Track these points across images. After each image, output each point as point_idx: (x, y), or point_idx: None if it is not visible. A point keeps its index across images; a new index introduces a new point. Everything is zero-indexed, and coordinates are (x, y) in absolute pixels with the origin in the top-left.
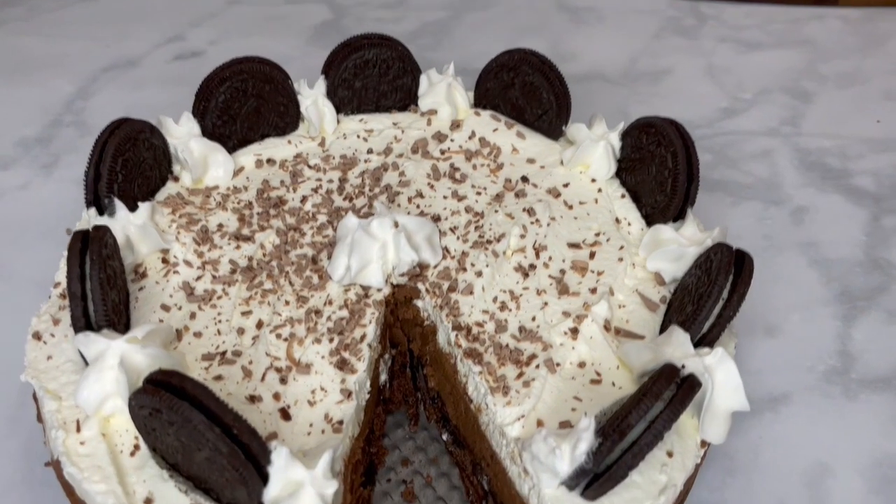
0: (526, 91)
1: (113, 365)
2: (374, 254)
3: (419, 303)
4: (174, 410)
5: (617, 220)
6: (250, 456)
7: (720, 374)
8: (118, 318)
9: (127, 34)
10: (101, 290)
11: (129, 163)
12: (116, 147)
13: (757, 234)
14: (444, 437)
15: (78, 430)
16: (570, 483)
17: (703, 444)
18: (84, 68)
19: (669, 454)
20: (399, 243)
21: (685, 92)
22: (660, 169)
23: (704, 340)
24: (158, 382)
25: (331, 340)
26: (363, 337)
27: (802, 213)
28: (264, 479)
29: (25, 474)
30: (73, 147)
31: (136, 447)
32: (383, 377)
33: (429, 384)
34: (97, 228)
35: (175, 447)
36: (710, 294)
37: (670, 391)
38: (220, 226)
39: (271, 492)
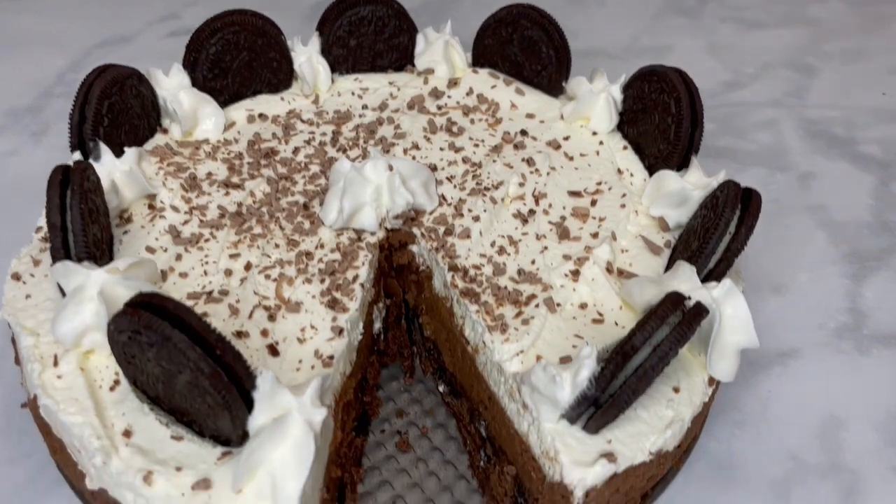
0: (525, 46)
1: (92, 296)
2: (367, 196)
3: (414, 248)
4: (153, 329)
5: (619, 171)
6: (234, 380)
7: (728, 307)
8: (100, 254)
9: (121, 14)
10: (81, 221)
11: (115, 108)
12: (102, 90)
13: (763, 199)
14: (441, 388)
15: (55, 364)
16: (571, 414)
17: (712, 381)
18: (77, 44)
19: (676, 390)
20: (394, 185)
21: (687, 67)
22: (663, 116)
23: (711, 276)
24: (138, 305)
25: (322, 281)
26: (355, 278)
27: (809, 179)
28: (249, 406)
29: (4, 423)
30: (63, 116)
31: (116, 382)
32: (377, 325)
33: (424, 334)
34: (79, 163)
35: (155, 375)
36: (717, 227)
37: (676, 317)
38: (209, 174)
39: (256, 419)
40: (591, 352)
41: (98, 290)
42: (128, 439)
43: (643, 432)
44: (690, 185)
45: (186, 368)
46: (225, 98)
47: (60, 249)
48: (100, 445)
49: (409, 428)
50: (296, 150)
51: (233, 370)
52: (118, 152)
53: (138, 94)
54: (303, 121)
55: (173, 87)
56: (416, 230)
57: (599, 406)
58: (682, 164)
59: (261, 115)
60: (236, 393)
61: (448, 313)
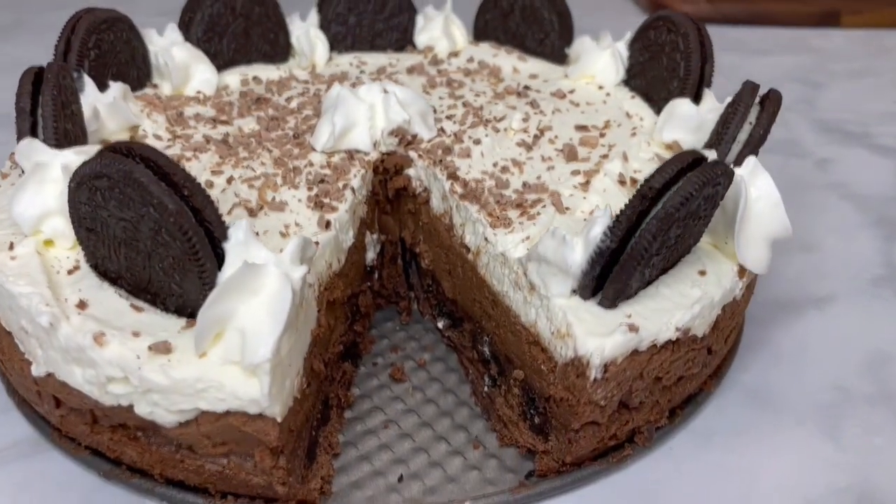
0: (526, 15)
1: (57, 177)
2: (360, 115)
3: (411, 171)
4: (115, 167)
5: (628, 115)
6: (203, 226)
7: (754, 187)
8: (69, 145)
9: None
10: (53, 108)
11: (102, 44)
12: (91, 23)
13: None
14: (440, 324)
15: (11, 248)
16: (584, 285)
17: (742, 273)
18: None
19: (702, 272)
20: (388, 104)
21: None
22: (671, 56)
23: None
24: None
25: (310, 188)
26: (346, 185)
27: (827, 164)
28: (220, 262)
29: None
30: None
31: (76, 267)
32: (371, 254)
33: (422, 265)
34: (55, 63)
35: (118, 240)
36: (736, 113)
37: (698, 175)
38: (197, 114)
39: (227, 272)
40: (605, 211)
41: (62, 170)
42: (81, 310)
43: (667, 308)
44: (705, 110)
45: (149, 207)
46: (219, 63)
47: (27, 134)
48: (49, 312)
49: (404, 361)
50: (289, 99)
51: (201, 215)
52: (103, 89)
53: (128, 41)
54: (298, 81)
55: (166, 43)
56: (412, 153)
57: (612, 267)
58: (695, 99)
59: (255, 79)
60: (205, 237)
61: (446, 231)
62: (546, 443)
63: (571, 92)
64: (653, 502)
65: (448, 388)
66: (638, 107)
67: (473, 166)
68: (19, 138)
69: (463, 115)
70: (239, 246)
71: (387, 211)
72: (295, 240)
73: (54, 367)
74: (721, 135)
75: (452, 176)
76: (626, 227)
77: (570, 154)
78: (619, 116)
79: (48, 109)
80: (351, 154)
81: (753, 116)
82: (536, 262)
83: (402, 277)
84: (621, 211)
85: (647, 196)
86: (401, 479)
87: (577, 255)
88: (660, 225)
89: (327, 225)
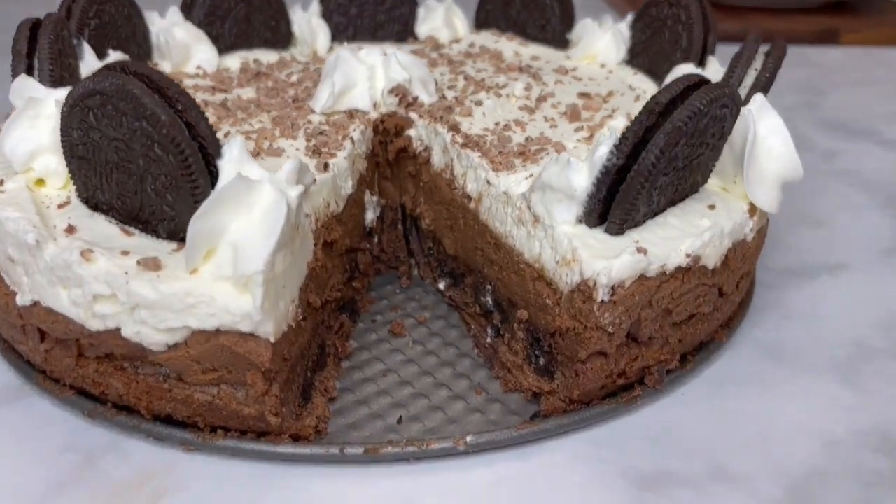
0: (527, 2)
1: (51, 114)
2: (360, 75)
3: (411, 132)
4: (109, 80)
5: (631, 87)
6: (196, 142)
7: (763, 124)
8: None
9: None
10: (49, 51)
11: (103, 15)
12: None
13: None
14: (441, 285)
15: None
16: (589, 209)
17: (753, 211)
18: None
19: (711, 206)
20: (389, 65)
21: None
22: (673, 29)
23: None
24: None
25: (308, 140)
26: (345, 136)
27: (832, 155)
28: (213, 181)
29: None
30: None
31: (67, 202)
32: (370, 214)
33: (423, 225)
34: (54, 14)
35: (109, 164)
36: (742, 57)
37: (702, 95)
38: (196, 85)
39: (221, 184)
40: (611, 133)
41: (57, 105)
42: (70, 234)
43: (676, 236)
44: (711, 72)
45: (142, 121)
46: (220, 47)
47: (23, 74)
48: (35, 231)
49: (404, 319)
50: (289, 75)
51: (195, 131)
52: (102, 59)
53: (129, 16)
54: (299, 62)
55: (167, 24)
56: (412, 114)
57: (619, 188)
58: (699, 66)
59: (255, 61)
60: (198, 152)
61: (447, 185)
62: (552, 382)
63: (574, 69)
64: (665, 445)
65: (449, 342)
66: (641, 81)
67: (475, 124)
68: (14, 76)
69: (464, 86)
70: (233, 163)
71: (387, 176)
72: (292, 161)
73: (39, 292)
74: (727, 78)
75: (454, 128)
76: (633, 143)
77: (573, 115)
78: (622, 88)
79: (45, 52)
80: (351, 113)
81: (759, 64)
82: (540, 192)
83: (402, 242)
84: (627, 128)
85: (653, 111)
86: (400, 420)
87: (583, 177)
88: (667, 139)
89: (325, 167)
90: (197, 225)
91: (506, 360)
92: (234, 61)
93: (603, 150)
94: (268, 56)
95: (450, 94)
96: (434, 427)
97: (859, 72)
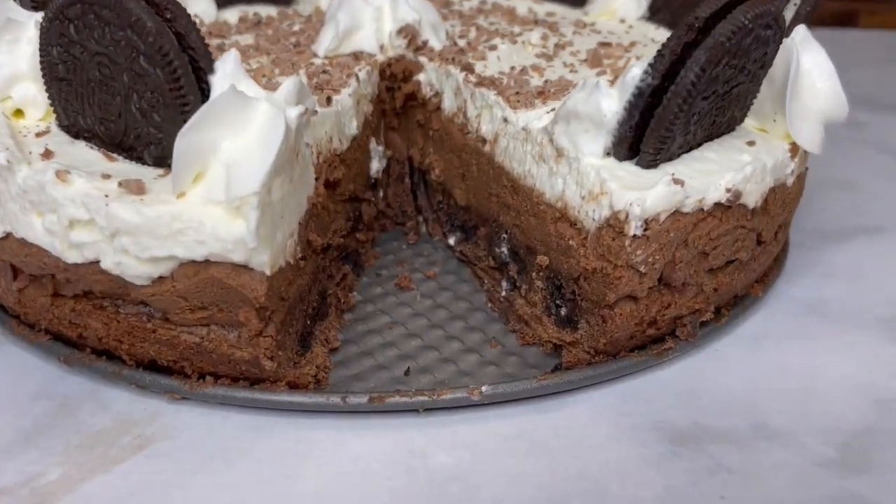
0: None
1: (31, 37)
2: (367, 17)
3: (421, 77)
4: None
5: (654, 41)
6: (186, 54)
7: (806, 57)
8: None
9: None
10: None
11: None
12: None
13: None
14: (452, 240)
15: None
16: (619, 138)
17: (795, 151)
18: None
19: (751, 143)
20: (397, 6)
21: None
22: None
23: None
24: None
25: (310, 78)
26: (350, 74)
27: (860, 126)
28: (205, 98)
29: None
30: None
31: (46, 131)
32: (375, 165)
33: (432, 178)
34: None
35: (91, 83)
36: None
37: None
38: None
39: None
40: (644, 58)
41: (37, 28)
42: (47, 159)
43: (715, 170)
44: None
45: (126, 30)
46: (219, 2)
47: None
48: (7, 152)
49: (412, 273)
50: (291, 25)
51: (185, 42)
52: None
53: None
54: (301, 15)
55: None
56: (422, 58)
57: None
58: None
59: (255, 14)
60: (187, 63)
61: (459, 130)
62: (574, 332)
63: (592, 24)
64: (700, 399)
65: (460, 296)
66: (664, 36)
67: (489, 67)
68: None
69: (477, 35)
70: (227, 79)
71: (394, 126)
72: (292, 79)
73: (12, 222)
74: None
75: (467, 68)
76: (671, 60)
77: (594, 60)
78: (644, 41)
79: None
80: (356, 55)
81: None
82: (565, 122)
83: (409, 197)
84: (664, 45)
85: (693, 27)
86: (408, 372)
87: (613, 101)
88: (709, 56)
89: (328, 100)
90: (185, 141)
91: (523, 312)
92: (232, 15)
93: (636, 70)
94: (268, 10)
95: (461, 42)
96: (446, 379)
97: (881, 52)
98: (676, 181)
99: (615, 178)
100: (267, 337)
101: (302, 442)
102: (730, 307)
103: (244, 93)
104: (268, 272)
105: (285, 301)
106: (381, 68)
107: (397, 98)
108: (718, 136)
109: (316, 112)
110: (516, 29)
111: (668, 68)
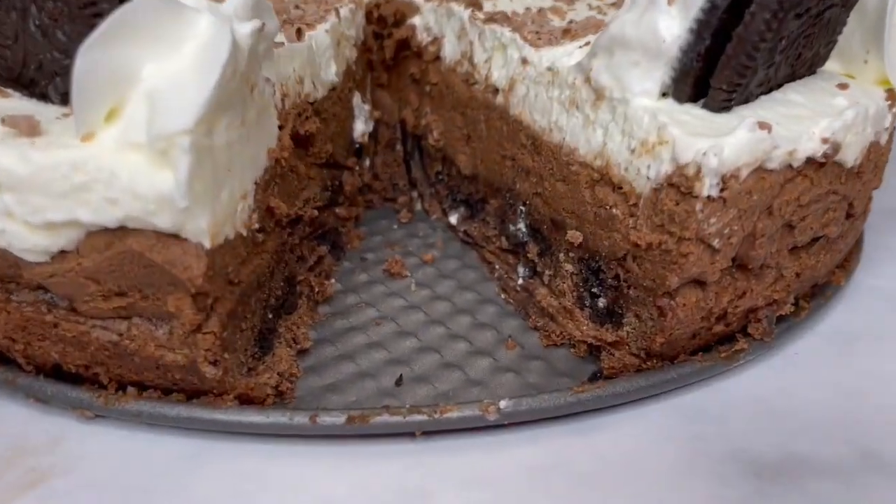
0: None
1: None
2: None
3: (416, 20)
4: None
5: None
6: None
7: None
8: None
9: None
10: None
11: None
12: None
13: None
14: (453, 218)
15: None
16: (682, 71)
17: (892, 97)
18: None
19: (842, 86)
20: None
21: None
22: None
23: None
24: None
25: (279, 14)
26: (328, 10)
27: None
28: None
29: None
30: None
31: None
32: (360, 126)
33: (430, 143)
34: None
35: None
36: None
37: None
38: None
39: None
40: None
41: None
42: None
43: (805, 116)
44: None
45: None
46: None
47: None
48: None
49: (405, 258)
50: None
51: None
52: None
53: None
54: None
55: None
56: None
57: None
58: None
59: None
60: None
61: (464, 81)
62: (618, 330)
63: None
64: (787, 419)
65: (465, 286)
66: None
67: (499, 7)
68: None
69: None
70: None
71: (383, 83)
72: None
73: None
74: None
75: (473, 3)
76: None
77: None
78: None
79: None
80: None
81: None
82: (607, 53)
83: (401, 168)
84: None
85: None
86: (400, 381)
87: (674, 21)
88: None
89: (299, 34)
90: (91, 60)
91: (547, 304)
92: None
93: None
94: None
95: None
96: (450, 390)
97: None
98: (762, 125)
99: (678, 123)
100: (208, 334)
101: (255, 477)
102: (807, 298)
103: (179, 11)
104: (207, 244)
105: (235, 286)
106: (369, 9)
107: (387, 47)
108: (799, 77)
109: (282, 44)
110: None
111: None
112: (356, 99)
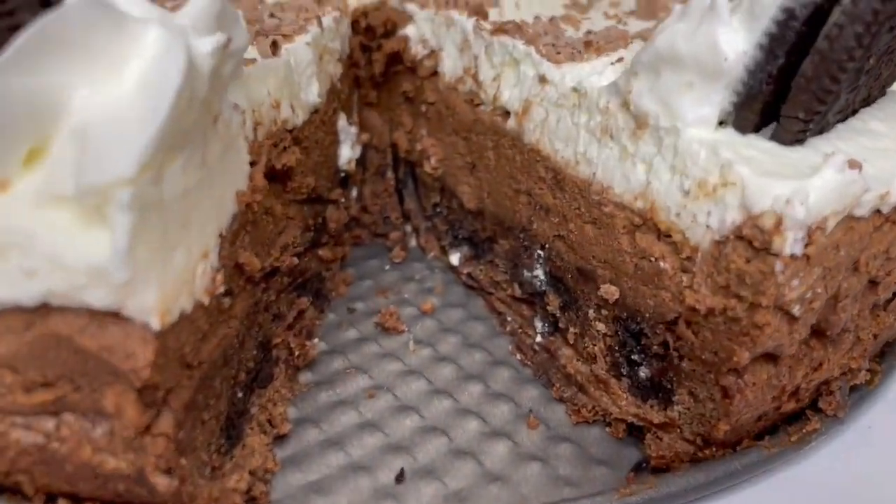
0: None
1: None
2: None
3: (409, 30)
4: None
5: None
6: None
7: None
8: None
9: None
10: None
11: None
12: None
13: None
14: (454, 257)
15: None
16: (747, 97)
17: None
18: None
19: None
20: None
21: None
22: None
23: None
24: None
25: (251, 23)
26: (309, 19)
27: None
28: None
29: None
30: None
31: None
32: (346, 152)
33: (426, 172)
34: None
35: None
36: None
37: None
38: None
39: None
40: None
41: None
42: None
43: (891, 149)
44: None
45: None
46: None
47: None
48: None
49: (400, 307)
50: None
51: None
52: None
53: None
54: None
55: None
56: (410, 5)
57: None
58: None
59: None
60: None
61: (468, 101)
62: (667, 408)
63: None
64: None
65: (472, 343)
66: None
67: (505, 16)
68: None
69: None
70: None
71: (371, 101)
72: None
73: None
74: None
75: (478, 11)
76: None
77: (647, 10)
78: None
79: None
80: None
81: None
82: (651, 73)
83: (392, 199)
84: None
85: None
86: (401, 476)
87: (738, 36)
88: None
89: (274, 48)
90: (5, 85)
91: (574, 370)
92: None
93: None
94: None
95: None
96: (463, 489)
97: None
98: (853, 164)
99: (745, 160)
100: (159, 436)
101: None
102: (877, 359)
103: (115, 6)
104: (156, 324)
105: (194, 369)
106: (355, 17)
107: (376, 61)
108: (873, 100)
109: (254, 61)
110: None
111: None
112: (341, 121)
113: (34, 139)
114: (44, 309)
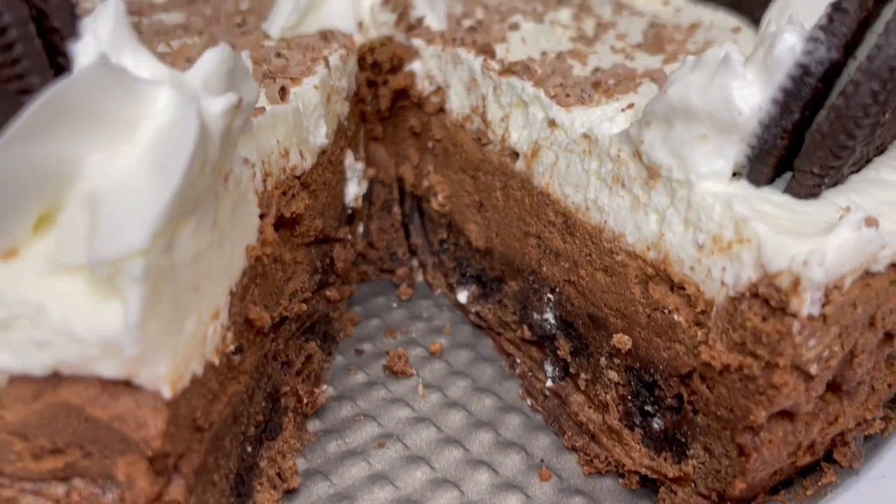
0: None
1: None
2: None
3: (415, 65)
4: None
5: (714, 23)
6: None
7: None
8: None
9: None
10: None
11: None
12: None
13: None
14: (462, 295)
15: None
16: (761, 151)
17: None
18: None
19: None
20: None
21: None
22: None
23: None
24: None
25: (257, 64)
26: (316, 59)
27: None
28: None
29: None
30: None
31: None
32: (352, 189)
33: (433, 208)
34: None
35: None
36: None
37: None
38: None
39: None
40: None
41: None
42: None
43: None
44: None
45: None
46: None
47: None
48: None
49: (408, 348)
50: (237, 1)
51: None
52: None
53: None
54: None
55: None
56: (416, 41)
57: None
58: None
59: None
60: (30, 22)
61: (475, 140)
62: (681, 462)
63: (629, 5)
64: None
65: (482, 386)
66: (725, 18)
67: (512, 52)
68: None
69: (486, 16)
70: (97, 46)
71: (377, 135)
72: (216, 51)
73: None
74: None
75: (485, 50)
76: (858, 21)
77: (654, 44)
78: (704, 23)
79: None
80: (325, 35)
81: None
82: (664, 124)
83: (399, 233)
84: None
85: None
86: None
87: (754, 89)
88: None
89: (283, 94)
90: (15, 150)
91: (585, 418)
92: None
93: (790, 38)
94: None
95: (466, 23)
96: None
97: None
98: (869, 221)
99: (761, 216)
100: (171, 503)
101: None
102: (890, 405)
103: (126, 69)
104: (167, 392)
105: (205, 431)
106: (362, 54)
107: (382, 96)
108: (884, 149)
109: (263, 110)
110: (538, 7)
111: (852, 34)
112: (348, 159)
113: (43, 206)
114: (54, 378)
